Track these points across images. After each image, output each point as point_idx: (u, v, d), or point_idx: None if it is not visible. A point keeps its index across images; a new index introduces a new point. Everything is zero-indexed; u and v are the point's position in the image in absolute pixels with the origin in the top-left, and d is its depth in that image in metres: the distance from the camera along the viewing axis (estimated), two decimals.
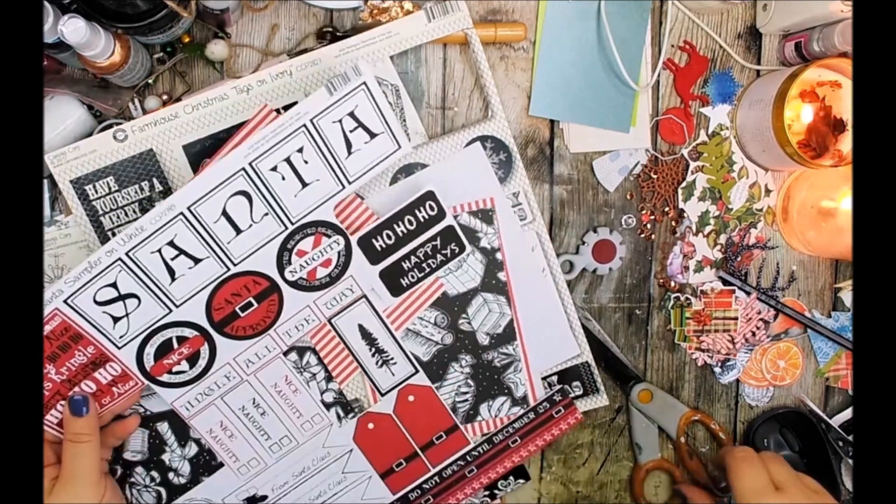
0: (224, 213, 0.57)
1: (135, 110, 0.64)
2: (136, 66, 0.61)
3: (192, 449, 0.65)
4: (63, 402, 0.58)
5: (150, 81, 0.65)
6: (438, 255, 0.64)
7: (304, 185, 0.59)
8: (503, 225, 0.67)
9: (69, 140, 0.61)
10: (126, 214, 0.62)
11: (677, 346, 0.75)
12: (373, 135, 0.59)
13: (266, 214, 0.58)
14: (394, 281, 0.64)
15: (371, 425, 0.68)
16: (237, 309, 0.60)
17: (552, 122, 0.71)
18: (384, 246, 0.63)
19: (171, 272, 0.57)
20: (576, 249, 0.73)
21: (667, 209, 0.74)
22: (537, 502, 0.75)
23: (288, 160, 0.57)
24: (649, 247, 0.74)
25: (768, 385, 0.77)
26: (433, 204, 0.63)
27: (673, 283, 0.74)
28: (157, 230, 0.56)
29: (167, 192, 0.62)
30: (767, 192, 0.75)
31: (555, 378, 0.71)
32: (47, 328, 0.56)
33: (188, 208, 0.56)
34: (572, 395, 0.71)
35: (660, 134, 0.73)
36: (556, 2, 0.69)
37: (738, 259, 0.74)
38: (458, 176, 0.67)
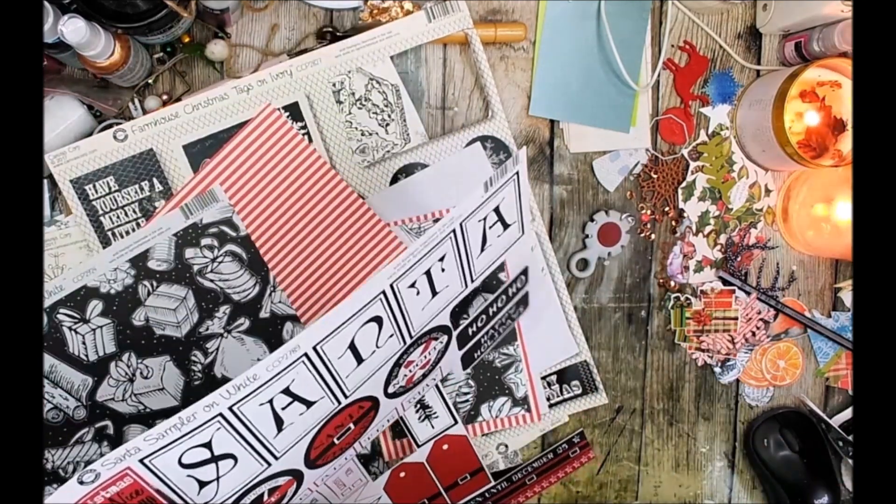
0: (351, 345, 0.48)
1: (135, 110, 0.64)
2: (136, 66, 0.61)
3: None
4: None
5: (150, 81, 0.65)
6: (507, 321, 0.63)
7: (434, 294, 0.51)
8: None
9: (69, 140, 0.61)
10: (126, 214, 0.62)
11: (677, 346, 0.75)
12: (506, 226, 0.54)
13: (391, 336, 0.50)
14: (469, 357, 0.63)
15: (403, 474, 0.67)
16: (335, 439, 0.53)
17: (552, 122, 0.71)
18: (475, 329, 0.60)
19: (279, 423, 0.47)
20: (582, 244, 0.73)
21: (667, 209, 0.74)
22: (537, 502, 0.75)
23: (427, 272, 0.49)
24: (649, 247, 0.74)
25: (768, 385, 0.76)
26: (524, 277, 0.61)
27: (673, 283, 0.74)
28: (274, 377, 0.45)
29: (167, 191, 0.62)
30: (767, 192, 0.75)
31: (554, 377, 0.71)
32: (113, 489, 0.44)
33: (314, 348, 0.46)
34: (571, 394, 0.71)
35: (660, 134, 0.73)
36: (556, 2, 0.69)
37: (738, 259, 0.74)
38: (458, 176, 0.67)
